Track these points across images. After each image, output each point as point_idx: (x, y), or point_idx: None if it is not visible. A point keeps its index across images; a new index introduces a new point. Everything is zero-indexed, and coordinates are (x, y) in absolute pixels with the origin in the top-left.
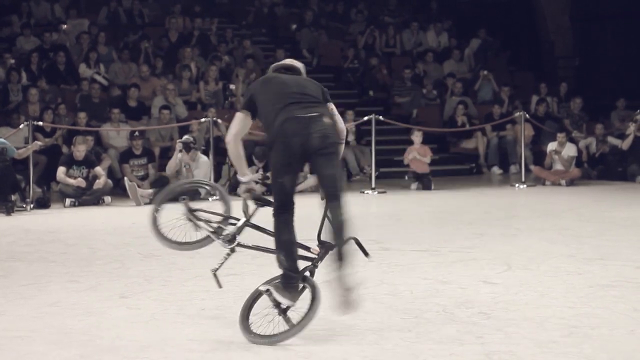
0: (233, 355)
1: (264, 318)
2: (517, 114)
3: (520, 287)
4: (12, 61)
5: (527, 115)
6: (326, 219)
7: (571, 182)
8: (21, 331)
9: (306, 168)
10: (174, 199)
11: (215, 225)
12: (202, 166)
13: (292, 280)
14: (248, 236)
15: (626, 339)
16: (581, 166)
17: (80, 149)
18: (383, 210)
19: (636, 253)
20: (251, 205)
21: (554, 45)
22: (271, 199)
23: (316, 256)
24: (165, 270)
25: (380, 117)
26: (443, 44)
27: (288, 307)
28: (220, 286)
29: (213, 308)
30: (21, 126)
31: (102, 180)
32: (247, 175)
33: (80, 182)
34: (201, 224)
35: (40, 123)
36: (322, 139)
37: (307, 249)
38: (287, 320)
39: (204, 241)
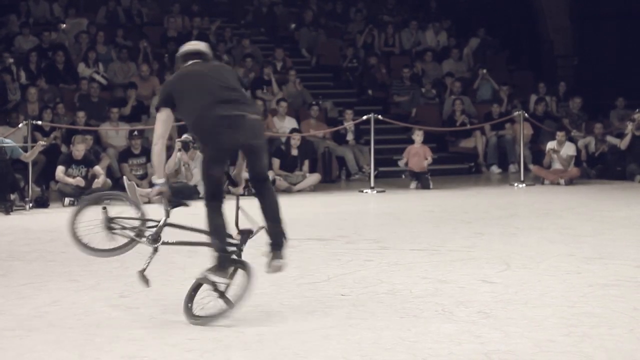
0: (232, 355)
1: (205, 301)
2: (516, 113)
3: (519, 286)
4: (11, 60)
5: (526, 114)
6: (240, 209)
7: (570, 182)
8: (20, 330)
9: (305, 167)
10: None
11: (135, 229)
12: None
13: (225, 260)
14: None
15: (625, 338)
16: (580, 165)
17: (79, 148)
18: (382, 210)
19: (635, 252)
20: (167, 206)
21: (553, 45)
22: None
23: (238, 242)
24: (164, 270)
25: (379, 116)
26: (442, 43)
27: (226, 288)
28: (148, 285)
29: (212, 308)
30: (20, 125)
31: (101, 180)
32: (162, 179)
33: (79, 182)
34: (121, 231)
35: (39, 122)
36: (252, 137)
37: (230, 236)
38: (227, 300)
39: (127, 246)
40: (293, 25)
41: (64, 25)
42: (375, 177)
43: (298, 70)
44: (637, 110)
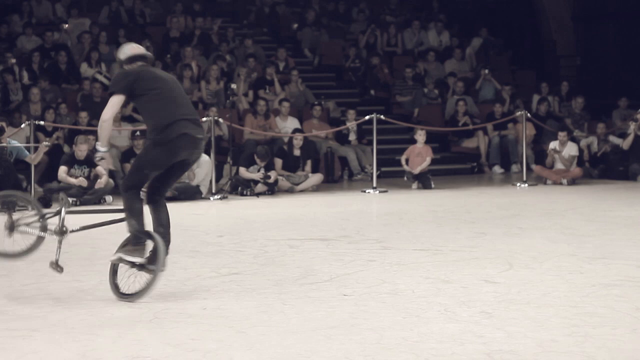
0: (234, 355)
1: (129, 279)
2: (518, 113)
3: (522, 286)
4: (14, 60)
5: (528, 114)
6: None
7: (573, 181)
8: (23, 330)
9: (307, 167)
10: None
11: (38, 225)
12: (204, 165)
13: (141, 239)
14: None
15: (628, 338)
16: (582, 165)
17: (81, 149)
18: (384, 210)
19: (638, 252)
20: (64, 196)
21: (556, 44)
22: None
23: None
24: (166, 270)
25: (382, 116)
26: (444, 43)
27: (142, 263)
28: (60, 271)
29: (214, 308)
30: (23, 125)
31: (103, 180)
32: (105, 147)
33: (82, 182)
34: (24, 229)
35: (42, 122)
36: (196, 158)
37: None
38: (148, 271)
39: (36, 243)
40: (295, 25)
41: (67, 25)
42: (378, 177)
43: (300, 70)
44: (639, 110)
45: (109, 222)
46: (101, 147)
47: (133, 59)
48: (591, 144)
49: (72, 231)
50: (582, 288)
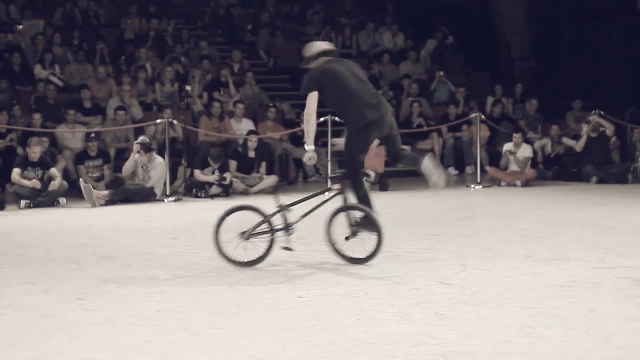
0: (189, 357)
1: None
2: (473, 115)
3: (476, 288)
4: None
5: (483, 116)
6: None
7: (527, 183)
8: None
9: (262, 169)
10: None
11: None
12: (158, 167)
13: (373, 220)
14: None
15: (582, 339)
16: (537, 167)
17: (35, 151)
18: None
19: (592, 253)
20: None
21: (510, 47)
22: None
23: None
24: (121, 272)
25: (337, 118)
26: (399, 45)
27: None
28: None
29: (168, 310)
30: None
31: (57, 182)
32: (312, 146)
33: (36, 184)
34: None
35: None
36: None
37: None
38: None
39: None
40: (251, 27)
41: (21, 27)
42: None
43: (255, 72)
44: (593, 112)
45: (323, 203)
46: (309, 146)
47: (318, 55)
48: (545, 146)
49: (295, 222)
50: (536, 289)
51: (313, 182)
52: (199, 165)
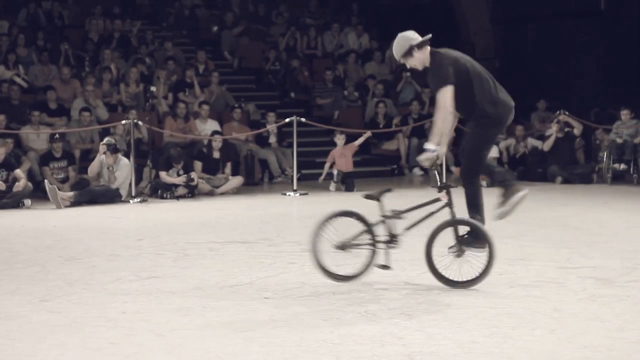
0: (155, 359)
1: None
2: None
3: (442, 288)
4: None
5: None
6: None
7: (492, 183)
8: None
9: (227, 170)
10: None
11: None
12: (123, 168)
13: (483, 234)
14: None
15: (547, 339)
16: (502, 167)
17: None
18: (305, 212)
19: (557, 253)
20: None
21: (475, 47)
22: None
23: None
24: (86, 274)
25: (302, 119)
26: (364, 45)
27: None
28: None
29: (134, 311)
30: None
31: (21, 183)
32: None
33: (0, 185)
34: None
35: None
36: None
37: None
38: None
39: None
40: (215, 28)
41: None
42: (298, 179)
43: (220, 72)
44: (559, 112)
45: (431, 214)
46: (434, 146)
47: (422, 43)
48: (510, 146)
49: (399, 236)
50: (501, 289)
51: (278, 183)
52: (164, 166)
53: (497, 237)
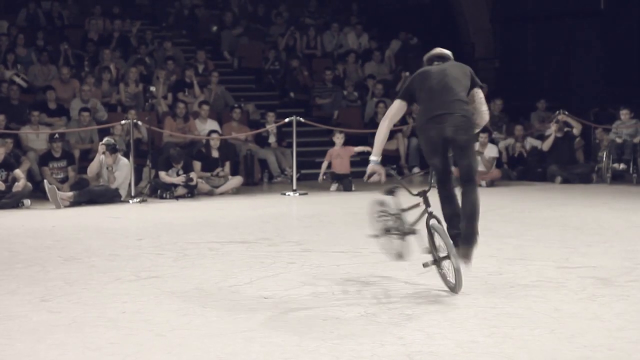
0: (154, 359)
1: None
2: None
3: (441, 288)
4: None
5: None
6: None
7: (491, 183)
8: None
9: (226, 168)
10: None
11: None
12: (123, 168)
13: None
14: None
15: (547, 339)
16: (501, 167)
17: None
18: (304, 212)
19: (556, 253)
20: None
21: (474, 47)
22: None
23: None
24: (86, 274)
25: (301, 119)
26: (364, 45)
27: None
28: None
29: (134, 311)
30: None
31: (21, 183)
32: (376, 157)
33: (0, 185)
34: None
35: None
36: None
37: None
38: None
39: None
40: (215, 28)
41: None
42: (298, 179)
43: (220, 72)
44: (558, 111)
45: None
46: (372, 157)
47: (429, 60)
48: (510, 145)
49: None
50: (501, 289)
51: (278, 183)
52: (163, 166)
53: (497, 237)
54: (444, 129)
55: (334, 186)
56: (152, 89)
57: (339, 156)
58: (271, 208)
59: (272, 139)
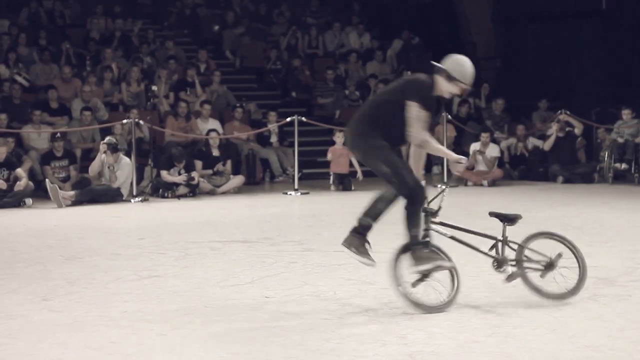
0: (155, 358)
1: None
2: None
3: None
4: None
5: (449, 116)
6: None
7: (493, 183)
8: None
9: (228, 167)
10: None
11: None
12: (125, 168)
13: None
14: None
15: (548, 338)
16: (503, 167)
17: (0, 151)
18: (306, 211)
19: None
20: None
21: (476, 46)
22: None
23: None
24: (87, 273)
25: (303, 118)
26: (365, 45)
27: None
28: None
29: (135, 310)
30: None
31: (23, 182)
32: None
33: (1, 185)
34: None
35: None
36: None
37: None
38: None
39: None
40: (216, 27)
41: None
42: (299, 179)
43: (222, 72)
44: (560, 111)
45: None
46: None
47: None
48: (511, 145)
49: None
50: (502, 289)
51: (279, 182)
52: (165, 165)
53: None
54: None
55: (333, 186)
56: (154, 88)
57: (342, 155)
58: (273, 207)
59: (273, 139)
